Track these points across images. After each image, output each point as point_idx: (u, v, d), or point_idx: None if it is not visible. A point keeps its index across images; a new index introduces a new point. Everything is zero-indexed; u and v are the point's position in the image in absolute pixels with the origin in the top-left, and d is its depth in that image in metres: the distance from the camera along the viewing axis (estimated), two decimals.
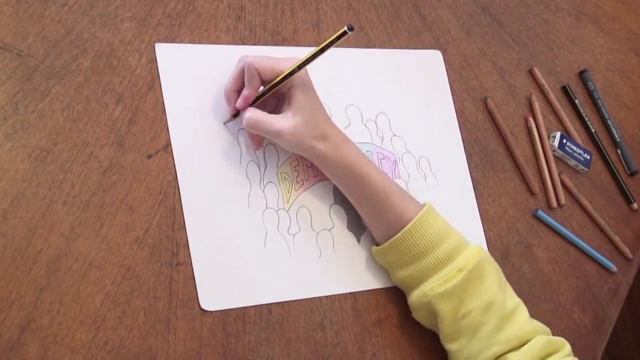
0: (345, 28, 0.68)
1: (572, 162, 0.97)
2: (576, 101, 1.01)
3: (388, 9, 0.91)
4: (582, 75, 1.03)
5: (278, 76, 0.72)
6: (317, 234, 0.77)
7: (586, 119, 1.01)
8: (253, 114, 0.72)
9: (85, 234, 0.66)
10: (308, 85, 0.73)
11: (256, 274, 0.73)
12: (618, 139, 1.02)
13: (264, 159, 0.77)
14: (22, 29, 0.69)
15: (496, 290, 0.74)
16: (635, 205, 1.01)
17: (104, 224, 0.67)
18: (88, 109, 0.70)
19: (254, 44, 0.81)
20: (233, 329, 0.70)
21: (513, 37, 1.00)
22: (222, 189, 0.73)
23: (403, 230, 0.74)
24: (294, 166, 0.78)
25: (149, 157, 0.71)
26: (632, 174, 1.02)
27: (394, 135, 0.86)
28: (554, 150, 0.96)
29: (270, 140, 0.77)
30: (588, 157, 0.98)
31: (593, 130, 1.01)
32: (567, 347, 0.75)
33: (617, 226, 0.99)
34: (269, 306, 0.73)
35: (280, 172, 0.77)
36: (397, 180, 0.83)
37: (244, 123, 0.73)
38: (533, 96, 0.97)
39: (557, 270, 0.92)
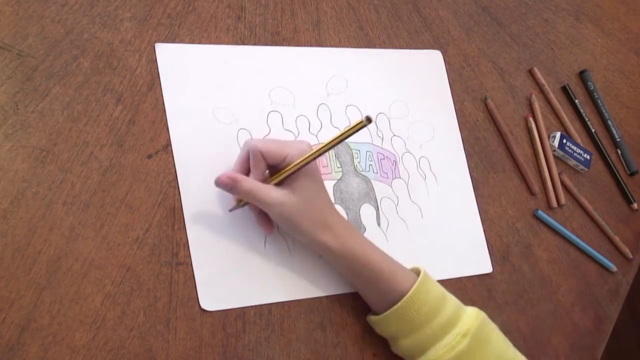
0: (363, 119, 0.65)
1: (572, 162, 0.97)
2: (576, 101, 1.01)
3: (388, 9, 0.91)
4: (582, 75, 1.03)
5: (283, 159, 0.69)
6: None
7: (586, 119, 1.01)
8: (246, 183, 0.69)
9: (85, 234, 0.66)
10: (314, 172, 0.72)
11: (256, 274, 0.73)
12: (618, 139, 1.02)
13: None
14: (22, 29, 0.69)
15: (504, 348, 0.74)
16: (635, 205, 1.01)
17: (104, 224, 0.67)
18: (88, 109, 0.70)
19: (254, 44, 0.81)
20: (233, 329, 0.70)
21: (513, 37, 1.00)
22: (222, 189, 0.73)
23: (404, 298, 0.71)
24: None
25: (149, 157, 0.71)
26: (632, 174, 1.02)
27: (394, 135, 0.86)
28: (554, 150, 0.96)
29: None
30: (588, 157, 0.97)
31: (593, 130, 1.01)
32: None
33: (617, 226, 0.99)
34: (269, 306, 0.73)
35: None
36: (397, 180, 0.84)
37: (242, 191, 0.69)
38: (533, 96, 0.97)
39: (557, 270, 0.92)
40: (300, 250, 0.76)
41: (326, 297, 0.76)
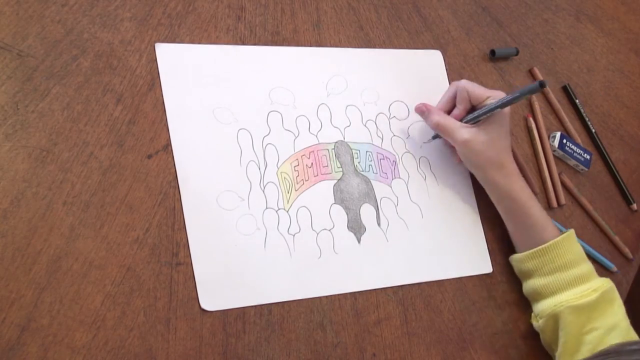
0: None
1: (572, 162, 0.97)
2: (576, 101, 1.01)
3: (388, 9, 0.91)
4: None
5: (484, 101, 0.82)
6: (317, 234, 0.77)
7: (586, 119, 1.01)
8: (441, 118, 0.83)
9: (85, 234, 0.66)
10: (504, 118, 0.82)
11: (256, 274, 0.73)
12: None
13: (264, 158, 0.77)
14: (22, 29, 0.69)
15: (622, 316, 0.80)
16: (634, 206, 1.01)
17: (104, 224, 0.67)
18: (88, 109, 0.70)
19: (254, 44, 0.81)
20: (233, 329, 0.70)
21: (513, 37, 1.00)
22: (222, 189, 0.73)
23: (550, 242, 0.80)
24: (294, 166, 0.78)
25: (149, 157, 0.71)
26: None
27: (394, 135, 0.86)
28: (554, 150, 0.95)
29: (272, 141, 0.77)
30: (588, 157, 0.97)
31: (593, 131, 1.01)
32: None
33: (617, 226, 0.99)
34: (269, 306, 0.73)
35: (280, 172, 0.77)
36: (396, 181, 0.84)
37: (431, 123, 0.84)
38: (533, 96, 0.97)
39: None
40: (300, 250, 0.76)
41: (326, 297, 0.76)
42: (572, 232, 0.83)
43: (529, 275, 0.83)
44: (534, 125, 0.95)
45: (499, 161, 0.82)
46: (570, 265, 0.80)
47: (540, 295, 0.82)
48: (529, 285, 0.84)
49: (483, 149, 0.81)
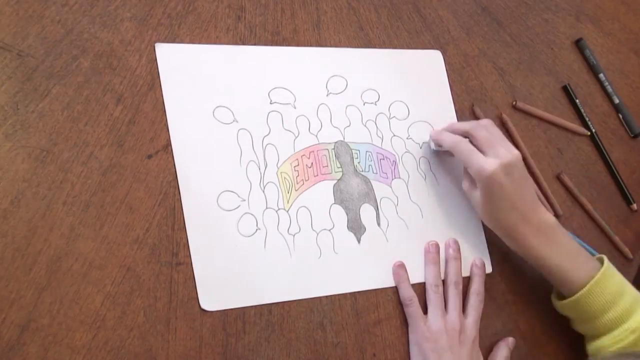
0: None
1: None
2: (577, 101, 1.01)
3: (388, 9, 0.91)
4: (578, 44, 1.03)
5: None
6: (317, 234, 0.77)
7: (586, 119, 1.01)
8: (463, 144, 0.79)
9: (85, 234, 0.66)
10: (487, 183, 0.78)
11: (256, 274, 0.73)
12: (617, 102, 1.03)
13: (264, 158, 0.77)
14: (22, 29, 0.69)
15: None
16: (634, 206, 1.01)
17: (104, 224, 0.67)
18: (88, 109, 0.70)
19: (254, 44, 0.81)
20: (233, 329, 0.70)
21: (513, 37, 1.00)
22: (222, 189, 0.73)
23: (578, 294, 0.77)
24: (294, 166, 0.78)
25: (149, 157, 0.71)
26: (636, 136, 1.03)
27: (394, 135, 0.86)
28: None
29: (272, 141, 0.77)
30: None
31: (593, 130, 1.01)
32: None
33: (617, 226, 0.99)
34: (269, 306, 0.73)
35: (280, 172, 0.77)
36: (396, 181, 0.84)
37: (450, 146, 0.81)
38: (504, 116, 0.94)
39: None
40: (300, 250, 0.76)
41: (326, 297, 0.76)
42: (605, 269, 0.78)
43: (573, 320, 0.82)
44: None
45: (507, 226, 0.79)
46: (606, 309, 0.77)
47: (587, 339, 0.81)
48: (576, 328, 0.83)
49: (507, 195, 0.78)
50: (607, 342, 0.77)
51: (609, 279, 0.78)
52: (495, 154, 0.77)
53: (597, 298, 0.77)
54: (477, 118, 0.91)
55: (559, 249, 0.79)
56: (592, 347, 0.80)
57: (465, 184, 0.82)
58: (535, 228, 0.78)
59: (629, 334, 0.76)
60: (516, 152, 0.79)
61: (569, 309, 0.80)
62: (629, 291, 0.78)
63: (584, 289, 0.77)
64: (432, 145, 0.86)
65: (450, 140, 0.81)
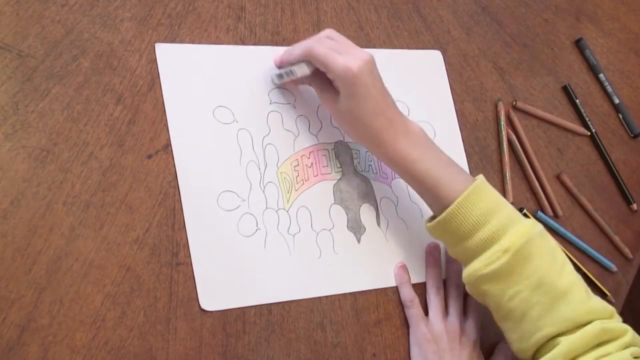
0: None
1: None
2: (577, 101, 1.01)
3: (388, 9, 0.91)
4: (578, 44, 1.04)
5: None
6: (317, 234, 0.77)
7: (586, 119, 1.01)
8: (318, 46, 0.72)
9: (85, 234, 0.66)
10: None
11: (256, 274, 0.73)
12: (617, 102, 1.03)
13: (264, 158, 0.77)
14: (22, 29, 0.69)
15: (546, 269, 0.70)
16: (634, 206, 1.01)
17: (104, 224, 0.67)
18: (88, 109, 0.70)
19: (254, 44, 0.81)
20: (233, 329, 0.70)
21: (513, 37, 1.00)
22: (222, 189, 0.74)
23: (446, 212, 0.71)
24: (294, 166, 0.78)
25: (149, 157, 0.71)
26: (636, 136, 1.03)
27: None
28: None
29: (272, 141, 0.77)
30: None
31: (593, 130, 1.01)
32: (627, 336, 0.70)
33: (617, 226, 0.99)
34: (269, 306, 0.73)
35: (280, 172, 0.77)
36: (396, 181, 0.84)
37: (303, 54, 0.74)
38: (510, 111, 0.94)
39: None
40: (300, 250, 0.76)
41: (326, 297, 0.76)
42: (475, 185, 0.71)
43: (444, 244, 0.76)
44: (514, 138, 0.94)
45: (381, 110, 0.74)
46: (475, 229, 0.70)
47: (461, 263, 0.75)
48: (449, 252, 0.76)
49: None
50: (479, 265, 0.71)
51: (483, 195, 0.71)
52: (354, 56, 0.71)
53: (468, 215, 0.70)
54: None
55: (430, 154, 0.74)
56: (465, 273, 0.73)
57: (324, 96, 0.76)
58: (403, 131, 0.73)
59: (501, 254, 0.69)
60: (370, 53, 0.73)
61: (439, 230, 0.73)
62: (503, 210, 0.72)
63: (455, 203, 0.71)
64: (275, 80, 0.79)
65: (302, 48, 0.74)
